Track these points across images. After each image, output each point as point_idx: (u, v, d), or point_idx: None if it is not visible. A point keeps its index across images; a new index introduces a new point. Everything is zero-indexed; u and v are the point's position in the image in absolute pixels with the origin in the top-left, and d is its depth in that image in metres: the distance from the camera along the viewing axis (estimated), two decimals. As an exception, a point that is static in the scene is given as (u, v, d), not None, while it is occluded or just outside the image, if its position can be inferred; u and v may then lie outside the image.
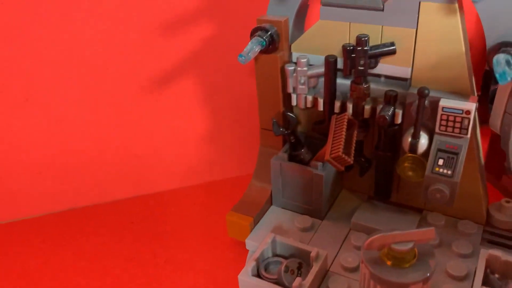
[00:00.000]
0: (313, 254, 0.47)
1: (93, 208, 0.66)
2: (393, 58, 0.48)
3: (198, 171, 0.68)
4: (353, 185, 0.60)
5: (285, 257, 0.49)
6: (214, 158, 0.68)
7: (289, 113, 0.55)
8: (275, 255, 0.50)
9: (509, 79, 0.39)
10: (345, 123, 0.49)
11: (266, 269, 0.48)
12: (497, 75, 0.39)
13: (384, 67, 0.49)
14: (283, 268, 0.46)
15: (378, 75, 0.51)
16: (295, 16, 0.52)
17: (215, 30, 0.61)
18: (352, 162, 0.48)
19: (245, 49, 0.48)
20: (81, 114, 0.62)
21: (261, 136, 0.58)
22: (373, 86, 0.51)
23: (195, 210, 0.64)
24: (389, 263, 0.42)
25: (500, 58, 0.39)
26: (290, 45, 0.53)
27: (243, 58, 0.48)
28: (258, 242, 0.51)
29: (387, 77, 0.51)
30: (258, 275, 0.47)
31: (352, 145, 0.50)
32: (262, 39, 0.50)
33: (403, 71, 0.49)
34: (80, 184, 0.65)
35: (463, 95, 0.47)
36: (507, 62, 0.40)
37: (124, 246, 0.59)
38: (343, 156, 0.47)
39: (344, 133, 0.49)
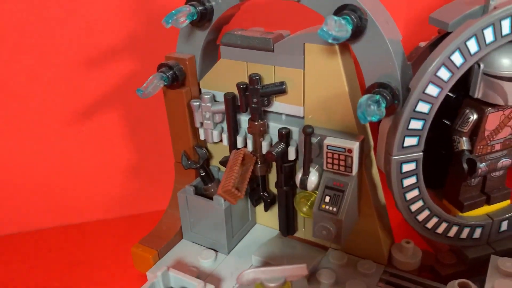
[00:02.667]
0: (198, 287, 0.47)
1: (13, 237, 0.67)
2: (287, 97, 0.50)
3: (122, 203, 0.69)
4: (265, 221, 0.60)
5: (176, 291, 0.49)
6: (137, 191, 0.69)
7: (197, 147, 0.56)
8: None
9: (369, 119, 0.40)
10: (240, 158, 0.50)
11: (155, 302, 0.49)
12: (358, 116, 0.40)
13: (281, 105, 0.51)
14: (165, 301, 0.47)
15: (279, 113, 0.53)
16: (202, 54, 0.54)
17: (137, 65, 0.63)
18: (242, 196, 0.49)
19: (144, 84, 0.50)
20: (4, 143, 0.64)
21: (176, 169, 0.59)
22: (274, 124, 0.52)
23: (113, 242, 0.64)
24: (264, 299, 0.42)
25: (361, 102, 0.40)
26: (199, 82, 0.55)
27: (141, 92, 0.49)
28: (157, 275, 0.51)
29: (287, 115, 0.52)
30: (145, 307, 0.48)
31: (245, 180, 0.50)
32: (164, 75, 0.52)
33: (296, 110, 0.50)
34: (2, 212, 0.66)
35: (350, 134, 0.48)
36: (376, 102, 0.41)
37: (38, 274, 0.60)
38: (233, 190, 0.48)
39: (237, 168, 0.49)
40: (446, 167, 0.53)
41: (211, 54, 0.55)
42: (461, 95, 0.50)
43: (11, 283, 0.59)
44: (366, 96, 0.41)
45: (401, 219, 0.64)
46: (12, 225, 0.67)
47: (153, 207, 0.69)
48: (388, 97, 0.42)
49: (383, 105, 0.42)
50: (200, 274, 0.53)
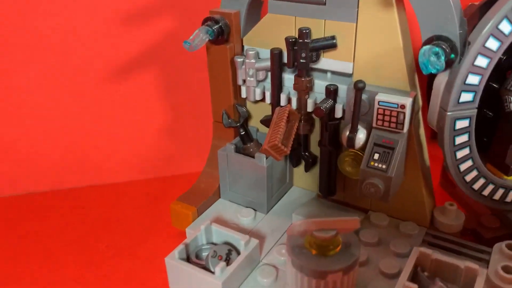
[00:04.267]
0: (243, 241, 0.47)
1: (49, 194, 0.67)
2: (336, 53, 0.49)
3: (156, 165, 0.69)
4: (303, 183, 0.60)
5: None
6: (172, 153, 0.69)
7: (239, 106, 0.56)
8: (210, 243, 0.50)
9: (431, 69, 0.39)
10: (286, 115, 0.49)
11: (198, 256, 0.48)
12: (420, 65, 0.39)
13: (328, 62, 0.50)
14: (210, 253, 0.46)
15: (325, 71, 0.52)
16: (247, 10, 0.53)
17: (175, 24, 0.62)
18: (288, 152, 0.48)
19: (191, 36, 0.49)
20: (42, 100, 0.63)
21: (214, 128, 0.58)
22: (319, 81, 0.51)
23: (148, 201, 0.64)
24: (313, 252, 0.41)
25: (425, 49, 0.40)
26: (242, 38, 0.54)
27: (188, 44, 0.49)
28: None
29: (333, 72, 0.51)
30: (189, 260, 0.47)
31: (291, 137, 0.50)
32: (210, 29, 0.51)
33: (345, 66, 0.49)
34: (38, 170, 0.66)
35: (402, 90, 0.47)
36: (435, 54, 0.41)
37: (73, 230, 0.60)
38: (279, 145, 0.47)
39: (283, 124, 0.49)
40: (491, 131, 0.52)
41: (255, 11, 0.54)
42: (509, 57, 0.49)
43: (48, 238, 0.59)
44: (427, 47, 0.40)
45: (436, 184, 0.65)
46: (46, 183, 0.67)
47: (188, 168, 0.68)
48: (447, 50, 0.41)
49: (443, 57, 0.41)
50: (240, 231, 0.52)
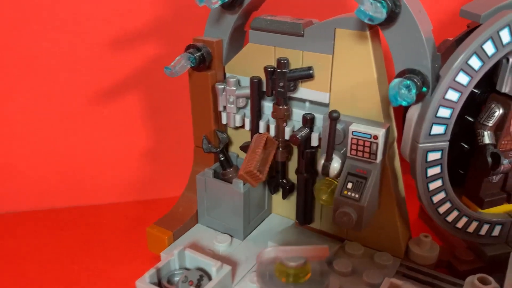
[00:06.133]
0: (215, 267, 0.47)
1: (28, 214, 0.67)
2: (313, 83, 0.50)
3: (137, 188, 0.69)
4: (281, 210, 0.60)
5: (192, 271, 0.49)
6: (154, 176, 0.69)
7: (219, 131, 0.56)
8: (183, 268, 0.49)
9: (400, 102, 0.40)
10: (263, 142, 0.50)
11: (170, 281, 0.48)
12: (390, 97, 0.40)
13: (306, 91, 0.51)
14: (181, 278, 0.46)
15: (303, 100, 0.53)
16: (230, 39, 0.54)
17: (161, 50, 0.63)
18: (264, 179, 0.49)
19: (172, 63, 0.50)
20: (26, 120, 0.64)
21: (194, 153, 0.59)
22: (297, 110, 0.52)
23: (126, 224, 0.64)
24: (283, 279, 0.41)
25: (395, 82, 0.41)
26: (224, 66, 0.56)
27: (169, 70, 0.50)
28: (172, 256, 0.51)
29: (311, 101, 0.52)
30: (160, 284, 0.47)
31: (267, 163, 0.50)
32: (192, 56, 0.52)
33: (322, 96, 0.50)
34: (17, 190, 0.66)
35: (376, 121, 0.48)
36: (406, 87, 0.42)
37: (50, 251, 0.60)
38: (255, 172, 0.48)
39: (260, 151, 0.49)
40: (467, 164, 0.53)
41: (238, 39, 0.55)
42: (486, 91, 0.50)
43: (24, 258, 0.59)
44: (397, 80, 0.41)
45: (415, 217, 0.65)
46: (27, 202, 0.67)
47: (168, 193, 0.68)
48: (418, 83, 0.43)
49: (414, 90, 0.42)
50: (215, 257, 0.52)
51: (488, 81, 0.49)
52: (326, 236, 0.56)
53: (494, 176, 0.51)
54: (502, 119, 0.48)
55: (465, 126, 0.52)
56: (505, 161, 0.49)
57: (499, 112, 0.47)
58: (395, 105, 0.40)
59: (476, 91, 0.50)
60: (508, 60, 0.45)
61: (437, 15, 0.65)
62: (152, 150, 0.69)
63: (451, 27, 0.56)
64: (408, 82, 0.42)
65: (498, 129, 0.48)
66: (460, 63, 0.42)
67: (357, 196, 0.46)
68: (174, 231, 0.55)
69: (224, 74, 0.56)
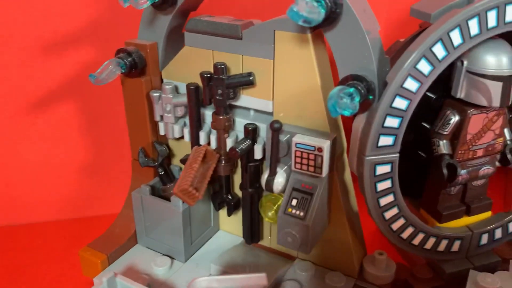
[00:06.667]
0: (146, 297, 0.42)
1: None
2: (255, 91, 0.46)
3: (75, 204, 0.64)
4: (229, 227, 0.55)
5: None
6: (94, 192, 0.64)
7: (157, 143, 0.52)
8: (114, 297, 0.45)
9: (341, 112, 0.36)
10: (201, 155, 0.46)
11: (98, 312, 0.43)
12: (329, 108, 0.36)
13: (248, 99, 0.46)
14: (108, 310, 0.42)
15: (248, 109, 0.48)
16: (166, 42, 0.49)
17: (97, 55, 0.59)
18: (201, 197, 0.44)
19: (98, 69, 0.45)
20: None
21: (133, 168, 0.54)
22: (241, 120, 0.48)
23: (63, 245, 0.59)
24: (218, 311, 0.37)
25: (334, 91, 0.36)
26: (162, 72, 0.51)
27: (94, 78, 0.45)
28: (105, 282, 0.46)
29: (256, 110, 0.48)
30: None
31: (206, 179, 0.46)
32: (122, 61, 0.47)
33: (265, 105, 0.46)
34: None
35: (322, 132, 0.43)
36: (349, 95, 0.38)
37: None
38: (190, 190, 0.43)
39: (197, 165, 0.45)
40: (425, 174, 0.49)
41: (176, 42, 0.50)
42: (442, 96, 0.46)
43: None
44: (338, 88, 0.37)
45: (375, 229, 0.61)
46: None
47: (109, 209, 0.63)
48: (362, 91, 0.38)
49: (357, 99, 0.38)
50: (152, 282, 0.48)
51: (444, 85, 0.45)
52: (276, 255, 0.52)
53: (452, 188, 0.47)
54: (459, 127, 0.44)
55: (422, 134, 0.48)
56: (462, 171, 0.45)
57: (454, 119, 0.44)
58: (334, 115, 0.36)
59: (432, 95, 0.47)
60: (462, 62, 0.42)
61: (390, 14, 0.61)
62: (91, 163, 0.63)
63: (405, 27, 0.52)
64: (351, 89, 0.37)
65: (454, 137, 0.44)
66: (407, 67, 0.37)
67: (302, 214, 0.42)
68: (108, 254, 0.50)
69: (162, 80, 0.51)
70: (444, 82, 0.44)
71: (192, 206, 0.46)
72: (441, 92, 0.46)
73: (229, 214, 0.52)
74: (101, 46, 0.59)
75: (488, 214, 0.50)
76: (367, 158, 0.40)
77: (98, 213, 0.65)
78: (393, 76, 0.38)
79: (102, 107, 0.61)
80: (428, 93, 0.48)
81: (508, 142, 0.47)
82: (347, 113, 0.37)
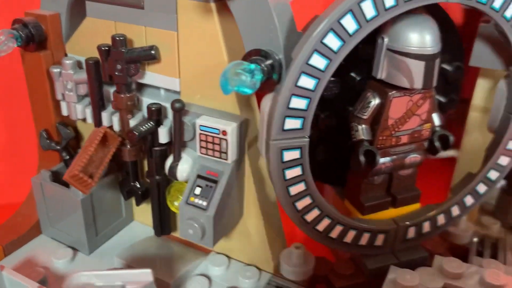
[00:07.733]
0: (29, 293, 0.38)
1: None
2: (160, 67, 0.41)
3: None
4: (143, 217, 0.51)
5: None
6: (4, 178, 0.59)
7: (60, 125, 0.47)
8: (0, 292, 0.41)
9: (231, 89, 0.32)
10: (98, 138, 0.41)
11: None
12: (220, 85, 0.32)
13: (154, 76, 0.42)
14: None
15: (158, 88, 0.44)
16: (70, 13, 0.45)
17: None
18: (94, 184, 0.40)
19: (-13, 41, 0.41)
20: None
21: (39, 152, 0.49)
22: (150, 100, 0.44)
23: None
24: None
25: (228, 67, 0.32)
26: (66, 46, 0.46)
27: (-20, 50, 0.40)
28: None
29: (166, 90, 0.44)
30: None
31: (102, 165, 0.41)
32: (16, 33, 0.43)
33: (172, 83, 0.41)
34: None
35: (231, 114, 0.40)
36: (250, 72, 0.34)
37: None
38: (82, 176, 0.39)
39: (93, 149, 0.41)
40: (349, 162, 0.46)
41: (80, 14, 0.46)
42: (368, 78, 0.43)
43: None
44: (233, 63, 0.33)
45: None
46: None
47: (22, 197, 0.58)
48: (265, 68, 0.35)
49: (259, 77, 0.34)
50: (48, 276, 0.43)
51: (369, 66, 0.42)
52: (190, 247, 0.48)
53: (376, 177, 0.44)
54: (379, 111, 0.40)
55: (346, 118, 0.44)
56: (383, 160, 0.42)
57: (374, 102, 0.40)
58: (226, 93, 0.32)
59: (355, 77, 0.43)
60: (383, 39, 0.38)
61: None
62: (3, 147, 0.58)
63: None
64: (252, 66, 0.34)
65: (375, 122, 0.41)
66: (312, 42, 0.34)
67: (204, 203, 0.38)
68: (4, 244, 0.46)
69: (65, 55, 0.47)
70: (369, 62, 0.41)
71: (87, 194, 0.42)
72: (367, 73, 0.43)
73: (137, 204, 0.47)
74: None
75: (416, 206, 0.46)
76: (273, 142, 0.36)
77: (8, 201, 0.59)
78: (298, 52, 0.34)
79: (13, 87, 0.56)
80: (352, 74, 0.45)
81: (437, 128, 0.44)
82: (245, 91, 0.33)
